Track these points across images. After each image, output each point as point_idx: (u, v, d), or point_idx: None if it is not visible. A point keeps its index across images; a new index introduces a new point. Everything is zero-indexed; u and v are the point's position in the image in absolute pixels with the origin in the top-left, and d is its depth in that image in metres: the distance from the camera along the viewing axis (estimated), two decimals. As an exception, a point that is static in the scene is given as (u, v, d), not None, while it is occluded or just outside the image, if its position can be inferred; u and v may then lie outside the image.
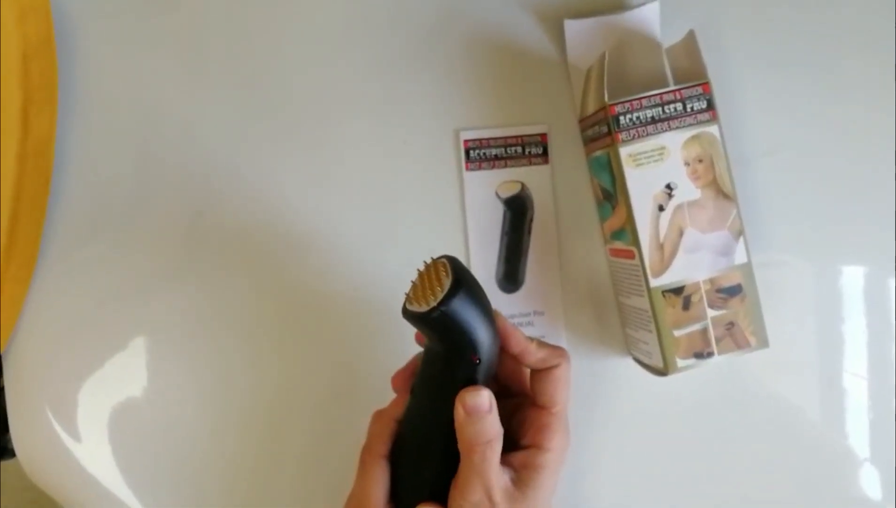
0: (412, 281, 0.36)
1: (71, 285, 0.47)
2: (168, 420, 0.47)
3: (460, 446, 0.36)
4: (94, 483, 0.47)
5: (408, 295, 0.36)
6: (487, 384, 0.36)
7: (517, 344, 0.38)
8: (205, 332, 0.47)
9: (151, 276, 0.47)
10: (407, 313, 0.35)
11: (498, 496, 0.35)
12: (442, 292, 0.34)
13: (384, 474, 0.38)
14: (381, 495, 0.37)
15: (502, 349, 0.38)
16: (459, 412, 0.35)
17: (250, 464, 0.47)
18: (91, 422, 0.47)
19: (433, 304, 0.34)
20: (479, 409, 0.35)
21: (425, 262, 0.36)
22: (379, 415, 0.39)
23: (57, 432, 0.47)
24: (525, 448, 0.38)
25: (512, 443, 0.38)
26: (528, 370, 0.40)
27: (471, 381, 0.36)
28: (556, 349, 0.38)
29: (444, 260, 0.36)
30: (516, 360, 0.39)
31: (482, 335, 0.35)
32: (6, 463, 0.61)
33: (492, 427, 0.35)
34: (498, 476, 0.35)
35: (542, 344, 0.38)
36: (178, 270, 0.47)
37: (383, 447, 0.38)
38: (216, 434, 0.47)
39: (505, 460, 0.36)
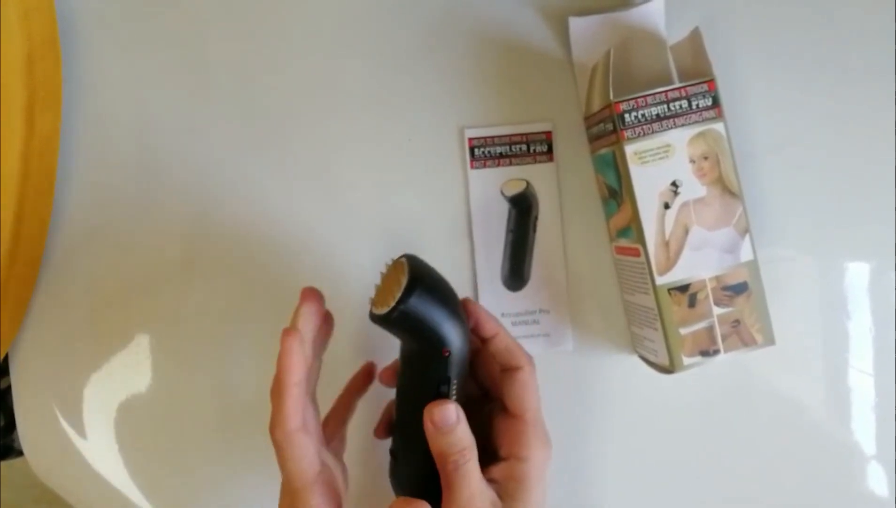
0: (376, 284, 0.36)
1: (76, 285, 0.47)
2: (173, 418, 0.47)
3: (434, 457, 0.35)
4: (100, 480, 0.47)
5: (372, 299, 0.36)
6: (463, 380, 0.37)
7: (490, 328, 0.38)
8: (208, 330, 0.47)
9: (155, 274, 0.47)
10: (372, 317, 0.36)
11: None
12: (399, 291, 0.34)
13: (301, 447, 0.35)
14: (305, 468, 0.35)
15: (476, 347, 0.38)
16: (428, 425, 0.35)
17: (253, 460, 0.47)
18: (96, 420, 0.47)
19: (392, 305, 0.34)
20: (447, 422, 0.35)
21: (386, 264, 0.37)
22: (275, 388, 0.36)
23: (63, 430, 0.47)
24: (505, 460, 0.37)
25: (493, 453, 0.38)
26: None
27: (444, 376, 0.36)
28: (524, 351, 0.38)
29: (402, 259, 0.36)
30: (494, 365, 0.39)
31: (447, 327, 0.36)
32: (12, 461, 0.61)
33: (461, 439, 0.35)
34: (482, 488, 0.35)
35: (514, 339, 0.39)
36: (182, 268, 0.47)
37: (291, 421, 0.35)
38: (220, 432, 0.47)
39: (487, 473, 0.36)
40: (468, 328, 0.37)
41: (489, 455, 0.38)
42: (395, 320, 0.35)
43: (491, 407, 0.40)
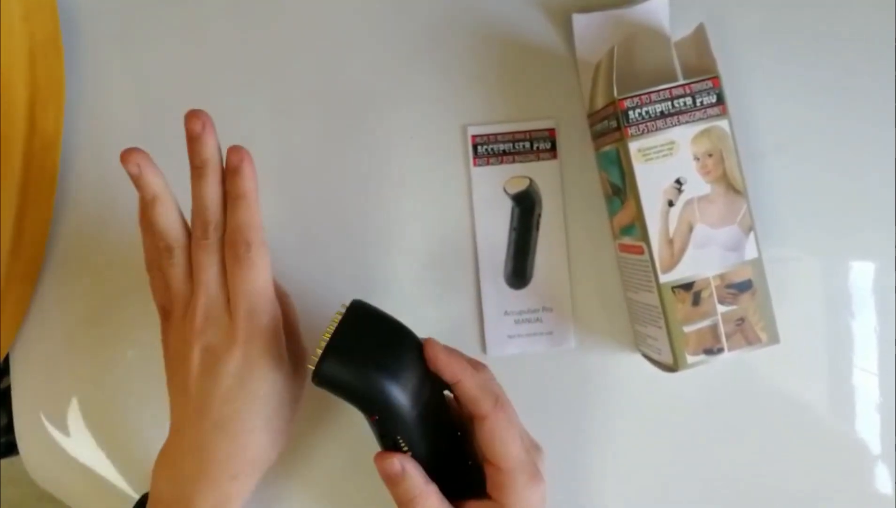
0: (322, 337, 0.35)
1: (77, 284, 0.47)
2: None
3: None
4: (99, 481, 0.47)
5: (316, 350, 0.35)
6: (423, 429, 0.36)
7: (450, 375, 0.35)
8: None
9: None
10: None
11: None
12: (316, 358, 0.34)
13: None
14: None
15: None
16: (380, 475, 0.35)
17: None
18: (96, 421, 0.47)
19: (311, 371, 0.34)
20: (392, 475, 0.35)
21: (339, 311, 0.36)
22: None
23: (60, 431, 0.47)
24: (490, 499, 0.36)
25: (481, 485, 0.37)
26: None
27: (388, 436, 0.36)
28: (491, 395, 0.36)
29: (339, 310, 0.35)
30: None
31: (375, 390, 0.34)
32: (16, 458, 0.61)
33: (409, 489, 0.35)
34: None
35: (482, 383, 0.36)
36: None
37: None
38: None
39: (473, 506, 0.36)
40: (428, 375, 0.36)
41: (476, 484, 0.37)
42: (319, 386, 0.34)
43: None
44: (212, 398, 0.36)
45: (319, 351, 0.34)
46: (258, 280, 0.36)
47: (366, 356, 0.35)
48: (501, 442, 0.35)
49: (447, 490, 0.37)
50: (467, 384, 0.35)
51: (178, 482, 0.37)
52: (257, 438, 0.37)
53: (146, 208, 0.37)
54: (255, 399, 0.37)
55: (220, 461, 0.36)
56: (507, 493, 0.35)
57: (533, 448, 0.38)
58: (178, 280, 0.38)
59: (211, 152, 0.36)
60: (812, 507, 0.48)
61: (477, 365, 0.38)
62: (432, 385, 0.36)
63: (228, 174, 0.36)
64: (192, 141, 0.36)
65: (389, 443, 0.36)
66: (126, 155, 0.36)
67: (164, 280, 0.39)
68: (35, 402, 0.47)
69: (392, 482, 0.35)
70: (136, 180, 0.36)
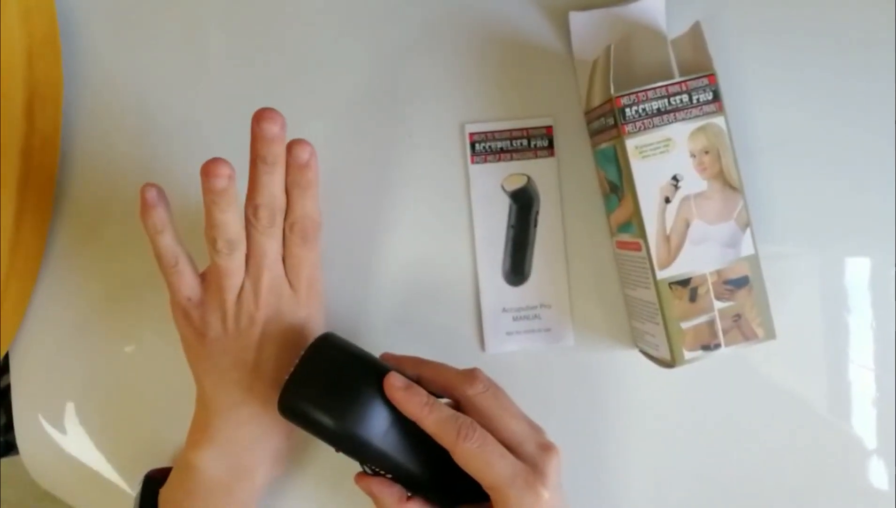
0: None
1: (76, 282, 0.47)
2: (174, 418, 0.47)
3: None
4: (99, 481, 0.47)
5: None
6: (403, 447, 0.37)
7: (411, 413, 0.37)
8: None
9: (156, 272, 0.47)
10: None
11: None
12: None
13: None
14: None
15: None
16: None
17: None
18: (94, 421, 0.47)
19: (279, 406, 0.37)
20: (370, 495, 0.39)
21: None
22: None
23: (58, 431, 0.47)
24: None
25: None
26: None
27: (361, 462, 0.38)
28: (453, 429, 0.36)
29: (306, 347, 0.38)
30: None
31: (337, 425, 0.36)
32: (14, 458, 0.61)
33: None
34: None
35: (441, 421, 0.36)
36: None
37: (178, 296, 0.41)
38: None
39: None
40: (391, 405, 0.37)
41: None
42: (282, 416, 0.37)
43: None
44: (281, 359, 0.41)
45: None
46: (316, 257, 0.42)
47: (323, 391, 0.36)
48: (478, 468, 0.36)
49: (448, 497, 0.38)
50: (426, 423, 0.36)
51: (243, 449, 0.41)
52: None
53: (210, 207, 0.38)
54: None
55: None
56: (507, 506, 0.36)
57: (532, 434, 0.38)
58: (234, 268, 0.40)
59: (283, 149, 0.39)
60: (808, 502, 0.48)
61: (464, 378, 0.39)
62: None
63: (297, 168, 0.39)
64: (266, 141, 0.38)
65: (367, 467, 0.38)
66: (211, 168, 0.37)
67: (198, 275, 0.42)
68: (35, 401, 0.47)
69: (373, 501, 0.39)
70: (208, 186, 0.38)
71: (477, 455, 0.36)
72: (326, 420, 0.36)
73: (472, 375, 0.39)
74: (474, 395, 0.38)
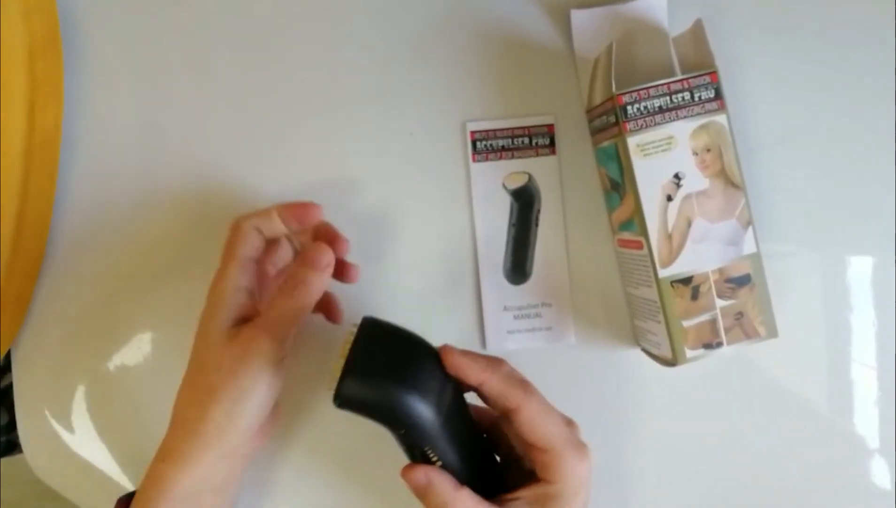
0: (336, 360, 0.35)
1: (77, 281, 0.47)
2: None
3: None
4: (101, 477, 0.47)
5: (332, 369, 0.35)
6: (450, 436, 0.36)
7: (474, 379, 0.36)
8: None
9: (157, 271, 0.47)
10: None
11: None
12: (333, 381, 0.34)
13: (254, 238, 0.41)
14: (244, 247, 0.40)
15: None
16: (409, 487, 0.36)
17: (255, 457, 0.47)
18: (98, 418, 0.47)
19: (332, 395, 0.34)
20: (419, 488, 0.36)
21: (349, 331, 0.36)
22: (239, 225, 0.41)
23: (62, 428, 0.47)
24: (537, 482, 0.37)
25: (528, 472, 0.38)
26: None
27: (415, 447, 0.36)
28: (519, 385, 0.36)
29: (351, 330, 0.36)
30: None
31: (397, 405, 0.34)
32: (15, 457, 0.61)
33: (440, 498, 0.36)
34: None
35: (506, 377, 0.36)
36: (184, 264, 0.47)
37: (242, 249, 0.40)
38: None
39: (518, 493, 0.37)
40: (447, 382, 0.36)
41: (525, 472, 0.38)
42: (341, 408, 0.34)
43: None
44: None
45: (337, 373, 0.34)
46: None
47: (385, 373, 0.35)
48: (542, 425, 0.36)
49: (482, 490, 0.37)
50: (492, 383, 0.36)
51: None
52: None
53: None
54: None
55: None
56: (559, 471, 0.36)
57: (570, 423, 0.38)
58: None
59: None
60: (810, 500, 0.48)
61: (495, 361, 0.38)
62: (452, 391, 0.37)
63: (315, 266, 0.40)
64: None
65: (417, 455, 0.37)
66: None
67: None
68: (38, 398, 0.47)
69: (420, 493, 0.36)
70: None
71: (542, 412, 0.36)
72: (392, 402, 0.34)
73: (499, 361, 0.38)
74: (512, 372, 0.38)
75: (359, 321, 0.36)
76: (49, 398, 0.47)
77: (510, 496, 0.37)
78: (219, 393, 0.38)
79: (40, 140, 0.45)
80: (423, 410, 0.35)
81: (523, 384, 0.36)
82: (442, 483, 0.36)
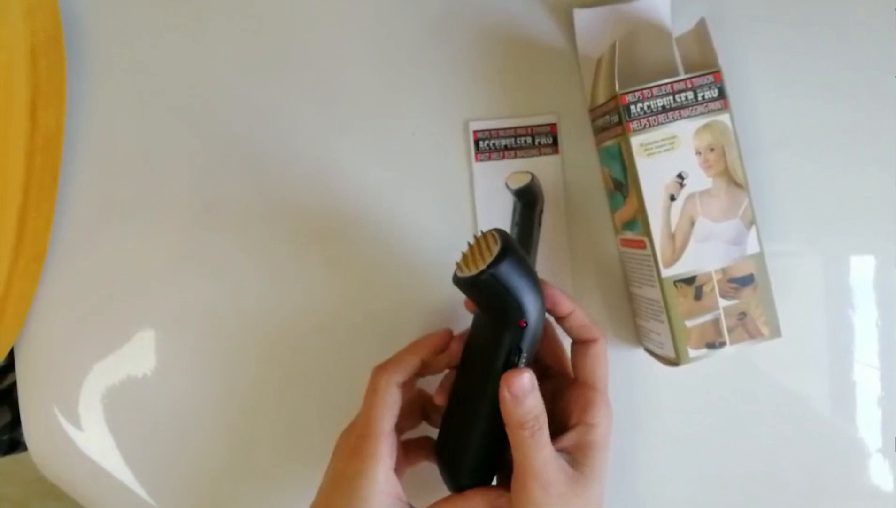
0: (462, 251, 0.37)
1: (80, 280, 0.47)
2: (176, 413, 0.47)
3: (508, 426, 0.37)
4: (105, 475, 0.47)
5: (458, 264, 0.37)
6: (531, 357, 0.38)
7: (566, 306, 0.39)
8: (212, 325, 0.47)
9: (159, 269, 0.47)
10: (457, 280, 0.37)
11: (556, 476, 0.36)
12: (491, 257, 0.36)
13: (395, 400, 0.39)
14: (387, 419, 0.39)
15: (545, 329, 0.39)
16: (504, 393, 0.36)
17: (255, 456, 0.47)
18: (101, 416, 0.47)
19: (482, 267, 0.36)
20: (522, 390, 0.36)
21: (475, 235, 0.38)
22: (415, 346, 0.41)
23: (67, 426, 0.47)
24: (574, 428, 0.38)
25: (559, 425, 0.39)
26: (569, 350, 0.41)
27: (517, 347, 0.37)
28: (596, 324, 0.40)
29: (493, 232, 0.37)
30: (557, 344, 0.42)
31: (529, 300, 0.37)
32: (19, 455, 0.61)
33: (535, 406, 0.37)
34: (554, 455, 0.37)
35: (587, 314, 0.40)
36: (187, 263, 0.47)
37: (401, 376, 0.39)
38: (222, 427, 0.47)
39: (557, 443, 0.38)
40: (545, 307, 0.38)
41: (553, 426, 0.38)
42: (482, 282, 0.36)
43: (552, 383, 0.41)
44: None
45: (463, 262, 0.37)
46: None
47: (528, 269, 0.37)
48: (603, 365, 0.40)
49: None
50: (580, 313, 0.40)
51: None
52: None
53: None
54: None
55: None
56: (596, 412, 0.39)
57: None
58: None
59: None
60: (812, 501, 0.48)
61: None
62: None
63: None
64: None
65: (503, 359, 0.37)
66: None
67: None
68: (43, 397, 0.47)
69: (520, 399, 0.36)
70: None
71: (605, 355, 0.40)
72: (530, 293, 0.37)
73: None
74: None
75: (482, 231, 0.38)
76: (54, 397, 0.47)
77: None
78: None
79: (42, 140, 0.45)
80: (538, 316, 0.37)
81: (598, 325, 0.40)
82: (539, 394, 0.37)
